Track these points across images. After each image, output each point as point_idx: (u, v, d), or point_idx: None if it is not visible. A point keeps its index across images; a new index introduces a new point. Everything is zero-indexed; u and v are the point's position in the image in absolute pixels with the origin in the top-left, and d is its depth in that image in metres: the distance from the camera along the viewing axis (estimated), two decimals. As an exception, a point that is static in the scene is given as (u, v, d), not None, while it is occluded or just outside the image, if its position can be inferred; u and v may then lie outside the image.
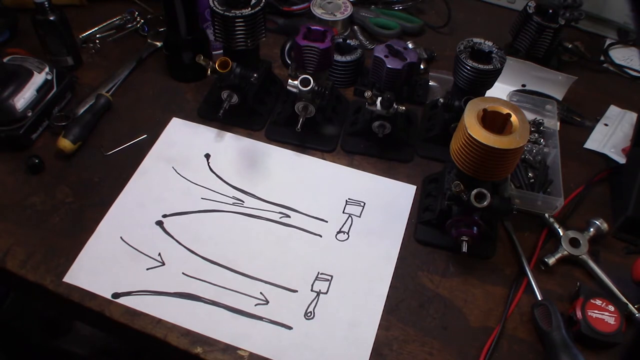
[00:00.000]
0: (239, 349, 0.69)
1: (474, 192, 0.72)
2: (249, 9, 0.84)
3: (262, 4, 0.85)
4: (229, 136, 0.93)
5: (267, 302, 0.74)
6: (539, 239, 0.83)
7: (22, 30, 1.06)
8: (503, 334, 0.73)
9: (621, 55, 1.15)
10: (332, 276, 0.77)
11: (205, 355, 0.68)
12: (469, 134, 0.67)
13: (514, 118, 0.70)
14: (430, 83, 1.03)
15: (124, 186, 0.84)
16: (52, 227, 0.79)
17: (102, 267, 0.75)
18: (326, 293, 0.75)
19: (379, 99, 0.84)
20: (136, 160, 0.88)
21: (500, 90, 0.98)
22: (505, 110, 0.70)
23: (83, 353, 1.19)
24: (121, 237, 0.79)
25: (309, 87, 0.84)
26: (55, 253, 0.76)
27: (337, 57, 0.98)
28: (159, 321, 0.71)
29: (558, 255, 0.79)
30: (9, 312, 1.22)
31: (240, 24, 0.83)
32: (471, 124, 0.68)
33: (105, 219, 0.80)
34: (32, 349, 1.20)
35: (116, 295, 0.72)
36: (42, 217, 0.81)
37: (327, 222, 0.83)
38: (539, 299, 0.76)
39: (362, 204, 0.85)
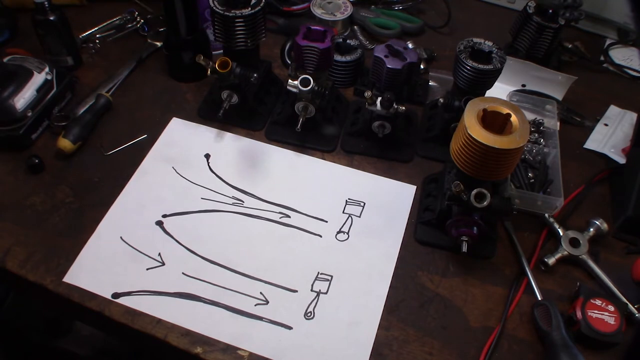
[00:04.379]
0: (239, 349, 0.69)
1: (474, 192, 0.72)
2: (249, 9, 0.84)
3: (262, 4, 0.85)
4: (228, 136, 0.93)
5: (267, 302, 0.74)
6: (539, 239, 0.82)
7: (22, 30, 1.06)
8: (503, 334, 0.73)
9: (621, 55, 1.15)
10: (332, 276, 0.77)
11: (205, 355, 0.68)
12: (469, 134, 0.67)
13: (514, 118, 0.70)
14: (430, 83, 1.03)
15: (124, 186, 0.84)
16: (52, 227, 0.79)
17: (102, 267, 0.75)
18: (326, 293, 0.75)
19: (379, 99, 0.84)
20: (136, 160, 0.88)
21: (500, 90, 0.97)
22: (505, 110, 0.70)
23: (83, 353, 1.19)
24: (121, 237, 0.79)
25: (309, 87, 0.84)
26: (55, 253, 0.76)
27: (337, 57, 0.98)
28: (159, 321, 0.71)
29: (558, 255, 0.79)
30: (9, 312, 1.22)
31: (240, 24, 0.83)
32: (471, 124, 0.68)
33: (105, 219, 0.80)
34: (32, 349, 1.20)
35: (116, 295, 0.72)
36: (42, 217, 0.80)
37: (327, 222, 0.83)
38: (539, 299, 0.76)
39: (362, 204, 0.85)
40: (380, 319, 0.73)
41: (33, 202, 0.82)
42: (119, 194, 0.83)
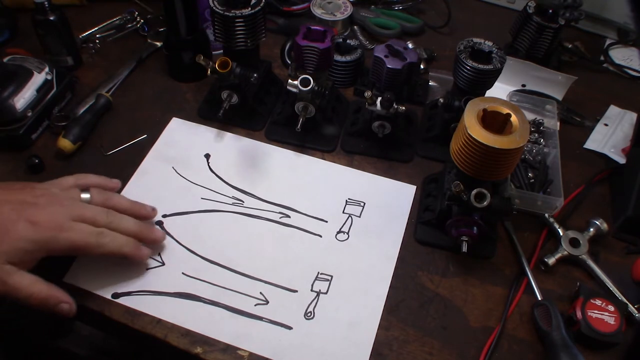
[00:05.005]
0: (239, 349, 0.69)
1: (474, 192, 0.72)
2: (249, 9, 0.84)
3: (262, 4, 0.85)
4: (229, 136, 0.93)
5: (267, 302, 0.74)
6: (539, 239, 0.83)
7: (22, 30, 1.06)
8: (503, 334, 0.73)
9: (621, 55, 1.15)
10: (332, 276, 0.77)
11: (205, 355, 0.68)
12: (469, 134, 0.67)
13: (514, 118, 0.70)
14: (430, 83, 1.04)
15: (124, 186, 0.84)
16: (52, 227, 0.79)
17: (102, 267, 0.75)
18: (326, 293, 0.75)
19: (379, 99, 0.84)
20: (136, 160, 0.88)
21: (500, 90, 0.98)
22: (505, 110, 0.70)
23: (83, 353, 1.19)
24: (121, 237, 0.79)
25: (309, 87, 0.84)
26: (55, 253, 0.76)
27: (337, 57, 0.98)
28: (159, 321, 0.71)
29: (558, 255, 0.80)
30: (9, 312, 1.22)
31: (240, 24, 0.83)
32: (471, 124, 0.68)
33: (105, 218, 0.81)
34: (32, 349, 1.20)
35: (116, 295, 0.73)
36: (42, 217, 0.80)
37: (327, 222, 0.83)
38: (539, 299, 0.76)
39: (362, 204, 0.85)
40: (380, 319, 0.73)
41: (33, 202, 0.82)
42: (119, 194, 0.83)
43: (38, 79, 0.89)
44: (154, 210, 0.78)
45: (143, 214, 0.76)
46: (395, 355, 0.70)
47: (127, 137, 0.91)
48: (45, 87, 0.90)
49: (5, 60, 0.90)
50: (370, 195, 0.86)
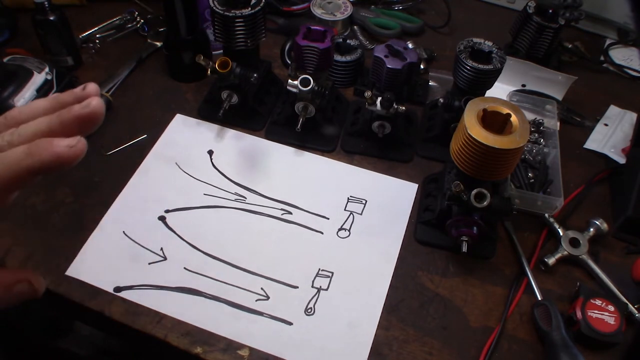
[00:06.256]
0: (239, 348, 0.69)
1: (474, 192, 0.72)
2: (249, 9, 0.84)
3: (262, 4, 0.85)
4: (231, 133, 0.93)
5: (268, 297, 0.74)
6: (539, 239, 0.82)
7: (22, 30, 1.06)
8: (503, 334, 0.73)
9: (621, 55, 1.15)
10: (332, 273, 0.77)
11: (205, 355, 0.68)
12: (469, 134, 0.67)
13: (514, 118, 0.70)
14: (430, 83, 1.03)
15: (124, 186, 0.84)
16: (52, 227, 0.79)
17: (104, 261, 0.75)
18: (327, 289, 0.75)
19: (379, 99, 0.84)
20: (136, 160, 0.88)
21: (500, 90, 0.98)
22: (505, 110, 0.70)
23: (83, 353, 1.19)
24: (124, 232, 0.79)
25: (309, 87, 0.84)
26: (55, 253, 0.76)
27: (337, 57, 0.98)
28: (159, 321, 0.71)
29: (558, 255, 0.79)
30: (9, 312, 1.22)
31: (240, 24, 0.83)
32: (471, 124, 0.68)
33: (108, 213, 0.81)
34: (32, 349, 1.20)
35: (118, 289, 0.73)
36: (42, 217, 0.80)
37: (328, 219, 0.83)
38: (539, 299, 0.76)
39: (364, 201, 0.85)
40: (380, 319, 0.73)
41: (33, 202, 0.82)
42: (118, 194, 0.83)
43: (38, 79, 0.89)
44: (87, 86, 0.44)
45: (70, 103, 0.44)
46: (395, 355, 0.70)
47: (127, 137, 0.91)
48: (45, 87, 0.90)
49: (5, 60, 0.90)
50: (372, 193, 0.86)
